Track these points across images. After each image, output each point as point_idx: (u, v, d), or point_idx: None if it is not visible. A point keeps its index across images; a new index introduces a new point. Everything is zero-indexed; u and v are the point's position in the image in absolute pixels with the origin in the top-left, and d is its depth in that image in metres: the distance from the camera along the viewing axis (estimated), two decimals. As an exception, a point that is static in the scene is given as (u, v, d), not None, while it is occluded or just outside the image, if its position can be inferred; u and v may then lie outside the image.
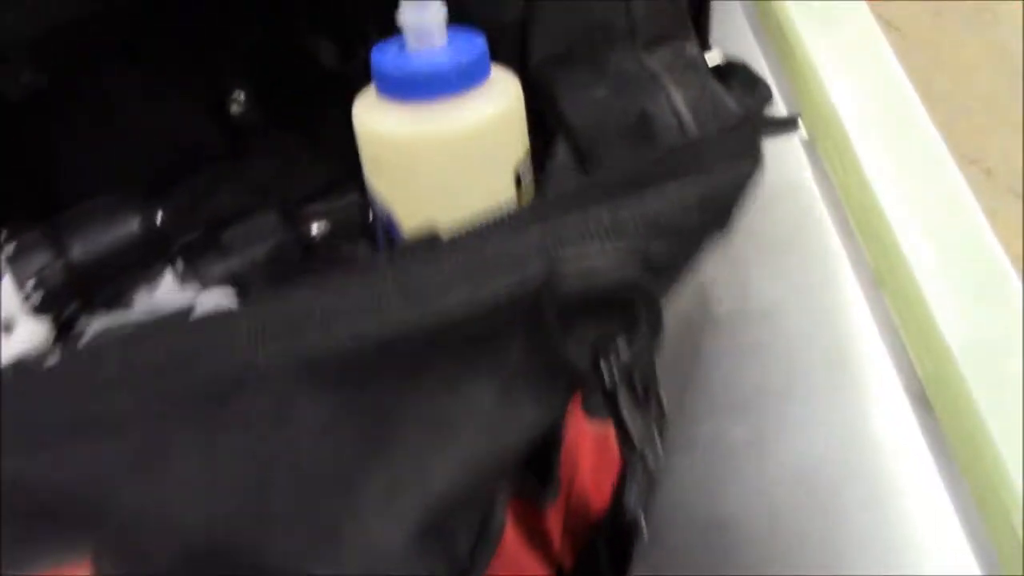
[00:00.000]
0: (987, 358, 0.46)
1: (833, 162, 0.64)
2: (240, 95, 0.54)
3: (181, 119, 0.53)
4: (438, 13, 0.40)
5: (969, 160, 1.82)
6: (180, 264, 0.49)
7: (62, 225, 0.48)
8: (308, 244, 0.51)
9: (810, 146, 0.64)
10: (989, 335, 0.47)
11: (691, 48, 0.47)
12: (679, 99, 0.43)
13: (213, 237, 0.52)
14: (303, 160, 0.56)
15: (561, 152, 0.44)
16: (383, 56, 0.41)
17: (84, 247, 0.47)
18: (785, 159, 0.64)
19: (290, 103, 0.56)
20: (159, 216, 0.50)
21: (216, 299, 0.48)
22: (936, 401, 0.47)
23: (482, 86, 0.41)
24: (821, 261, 0.57)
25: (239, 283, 0.51)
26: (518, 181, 0.43)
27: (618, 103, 0.45)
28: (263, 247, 0.52)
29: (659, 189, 0.33)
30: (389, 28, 0.52)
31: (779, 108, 0.67)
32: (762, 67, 0.70)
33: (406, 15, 0.40)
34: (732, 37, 0.73)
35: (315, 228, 0.54)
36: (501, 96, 0.41)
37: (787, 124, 0.68)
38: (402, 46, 0.41)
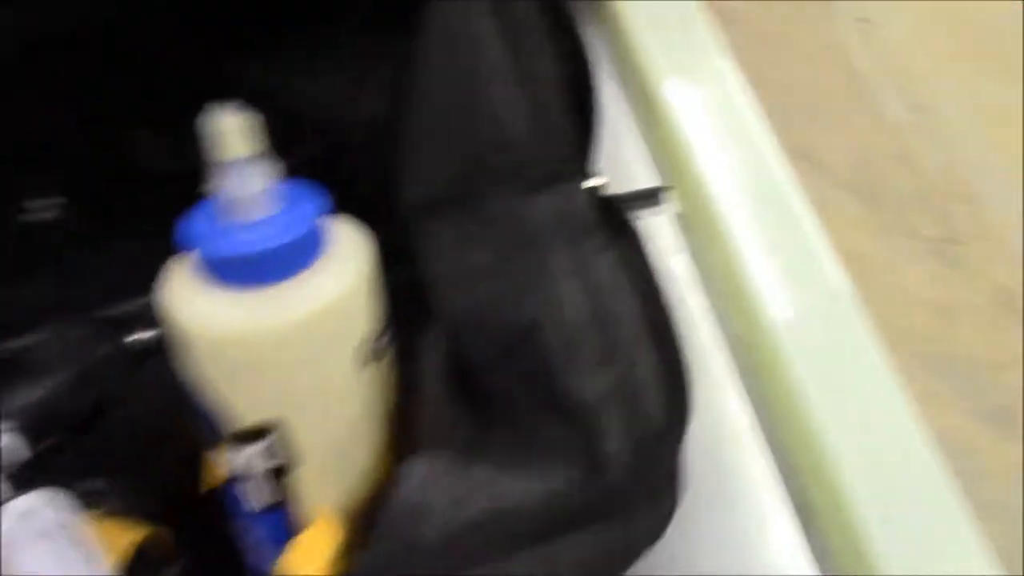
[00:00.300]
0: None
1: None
2: (46, 202, 0.46)
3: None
4: (261, 181, 0.33)
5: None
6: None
7: None
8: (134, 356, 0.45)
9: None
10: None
11: (579, 195, 0.41)
12: (569, 296, 0.38)
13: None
14: (125, 273, 0.48)
15: (431, 346, 0.38)
16: (194, 225, 0.34)
17: None
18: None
19: (109, 208, 0.48)
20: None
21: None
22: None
23: (318, 263, 0.34)
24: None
25: (44, 415, 0.43)
26: (365, 359, 0.36)
27: (501, 294, 0.39)
28: (71, 367, 0.44)
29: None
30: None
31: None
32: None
33: (223, 183, 0.33)
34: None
35: (138, 337, 0.47)
36: (340, 275, 0.35)
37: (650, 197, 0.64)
38: (221, 212, 0.34)
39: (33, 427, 0.42)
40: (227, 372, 0.34)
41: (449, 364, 0.39)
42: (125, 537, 0.41)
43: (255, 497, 0.38)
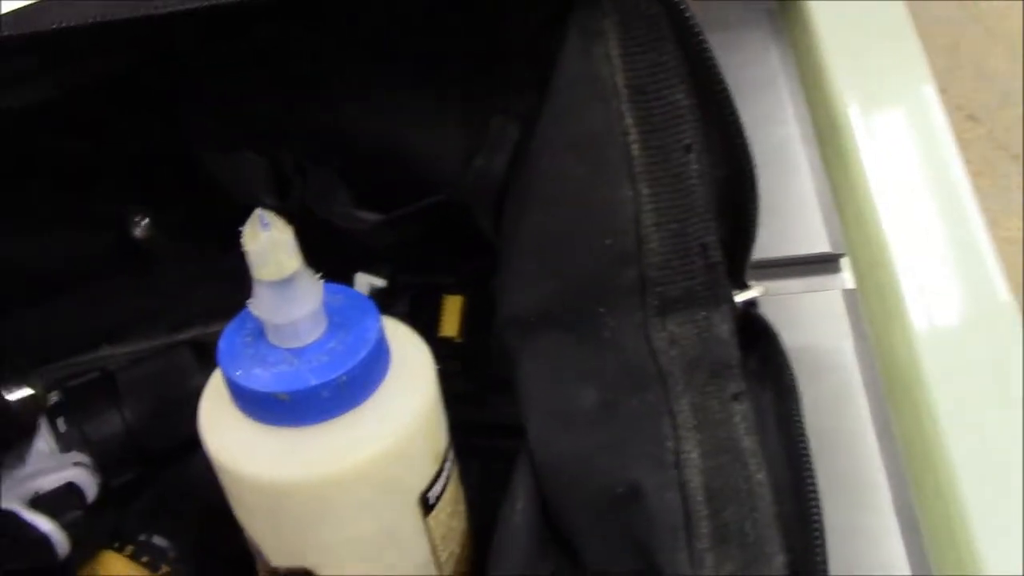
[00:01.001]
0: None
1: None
2: (143, 219, 0.44)
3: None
4: (310, 303, 0.28)
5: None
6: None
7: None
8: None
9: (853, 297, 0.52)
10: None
11: (719, 325, 0.33)
12: (691, 461, 0.30)
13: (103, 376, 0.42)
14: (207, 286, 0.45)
15: (521, 499, 0.32)
16: (232, 348, 0.29)
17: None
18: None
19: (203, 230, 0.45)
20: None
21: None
22: None
23: (374, 396, 0.29)
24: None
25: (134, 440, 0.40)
26: (426, 506, 0.31)
27: (603, 445, 0.31)
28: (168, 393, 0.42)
29: None
30: (335, 172, 0.41)
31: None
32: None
33: (261, 305, 0.28)
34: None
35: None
36: (399, 412, 0.29)
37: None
38: (259, 331, 0.29)
39: (108, 460, 0.40)
40: (261, 513, 0.30)
41: (539, 509, 0.33)
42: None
43: (297, 632, 0.33)
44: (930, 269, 0.52)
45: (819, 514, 0.29)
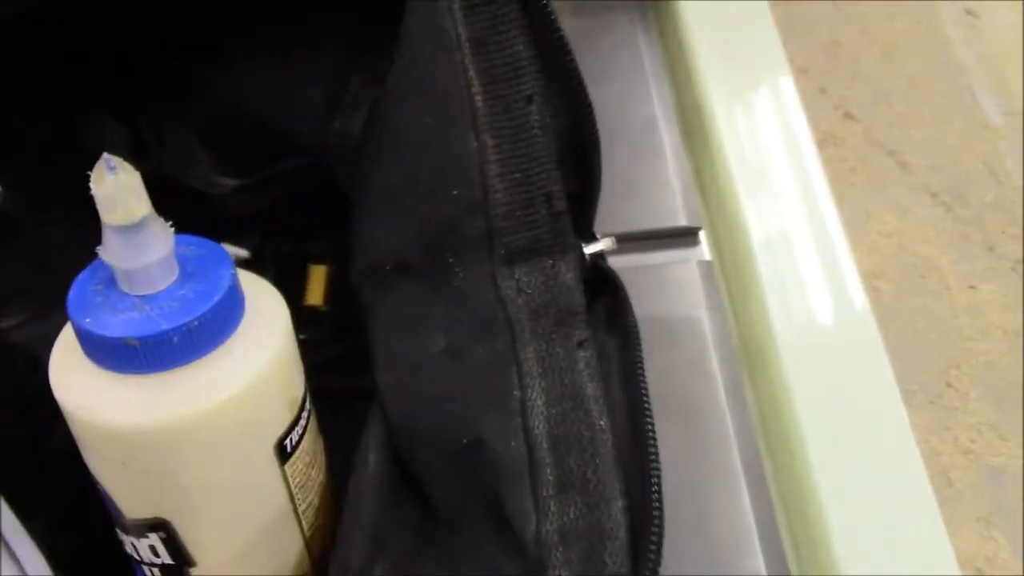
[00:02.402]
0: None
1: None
2: None
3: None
4: (161, 248, 0.28)
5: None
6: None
7: None
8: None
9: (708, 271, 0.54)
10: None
11: (565, 273, 0.34)
12: (529, 407, 0.31)
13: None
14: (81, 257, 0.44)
15: (373, 450, 0.33)
16: (82, 297, 0.29)
17: None
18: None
19: (61, 196, 0.44)
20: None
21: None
22: None
23: (226, 343, 0.29)
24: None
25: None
26: (283, 454, 0.31)
27: (449, 393, 0.32)
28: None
29: None
30: (194, 135, 0.41)
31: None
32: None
33: (111, 251, 0.28)
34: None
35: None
36: (252, 358, 0.30)
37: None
38: (109, 280, 0.29)
39: None
40: (115, 464, 0.30)
41: (391, 459, 0.33)
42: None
43: (156, 587, 0.33)
44: (783, 243, 0.55)
45: (656, 459, 0.30)
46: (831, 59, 1.85)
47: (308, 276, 0.44)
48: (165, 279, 0.29)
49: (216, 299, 0.29)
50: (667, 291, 0.54)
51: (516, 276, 0.33)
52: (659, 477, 0.30)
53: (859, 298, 0.53)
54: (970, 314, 1.57)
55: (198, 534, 0.31)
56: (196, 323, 0.28)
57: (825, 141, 1.71)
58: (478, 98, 0.33)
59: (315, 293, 0.44)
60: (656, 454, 0.31)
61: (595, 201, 0.36)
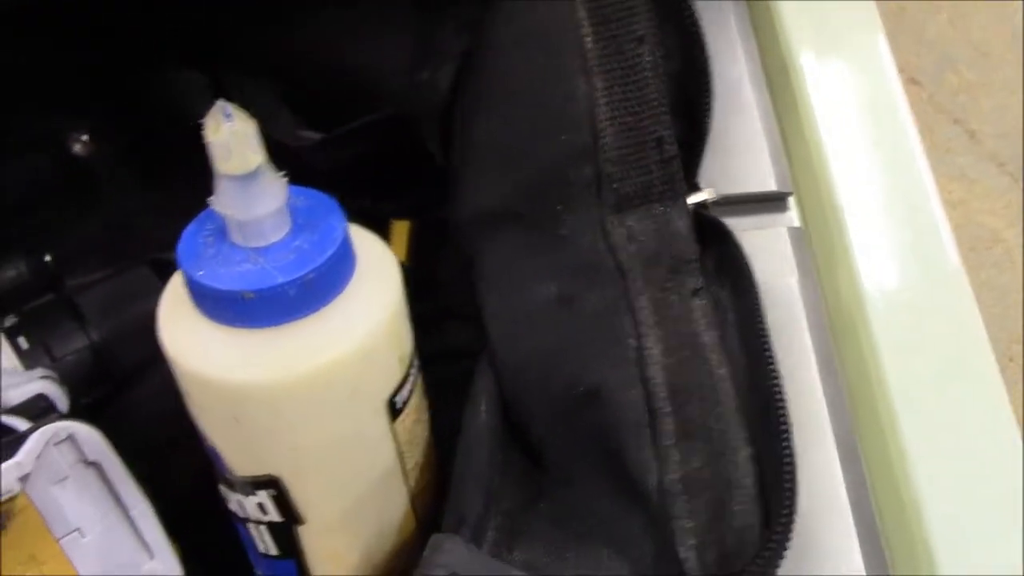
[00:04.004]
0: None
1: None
2: (82, 135, 0.42)
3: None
4: (276, 199, 0.28)
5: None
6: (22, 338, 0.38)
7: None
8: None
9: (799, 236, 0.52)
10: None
11: (677, 220, 0.33)
12: (647, 356, 0.30)
13: (65, 298, 0.41)
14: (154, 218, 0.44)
15: (483, 402, 0.32)
16: (193, 249, 0.28)
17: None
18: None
19: (158, 152, 0.44)
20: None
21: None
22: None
23: (340, 297, 0.29)
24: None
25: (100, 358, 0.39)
26: (393, 411, 0.31)
27: (564, 343, 0.31)
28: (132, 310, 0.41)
29: None
30: (277, 90, 0.40)
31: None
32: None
33: (225, 201, 0.27)
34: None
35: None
36: (366, 313, 0.29)
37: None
38: (220, 231, 0.28)
39: (75, 378, 0.38)
40: (226, 420, 0.29)
41: (500, 412, 0.33)
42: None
43: (260, 544, 0.33)
44: (874, 210, 0.53)
45: (784, 405, 0.29)
46: (896, 23, 1.80)
47: (390, 232, 0.44)
48: (278, 231, 0.28)
49: (331, 251, 0.28)
50: (757, 257, 0.52)
51: (626, 223, 0.32)
52: (788, 425, 0.29)
53: (953, 263, 0.52)
54: None
55: (308, 491, 0.31)
56: (312, 276, 0.27)
57: (890, 108, 1.67)
58: (588, 39, 0.32)
59: (398, 249, 0.43)
60: (783, 402, 0.30)
61: (702, 148, 0.35)
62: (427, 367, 0.34)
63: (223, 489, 0.32)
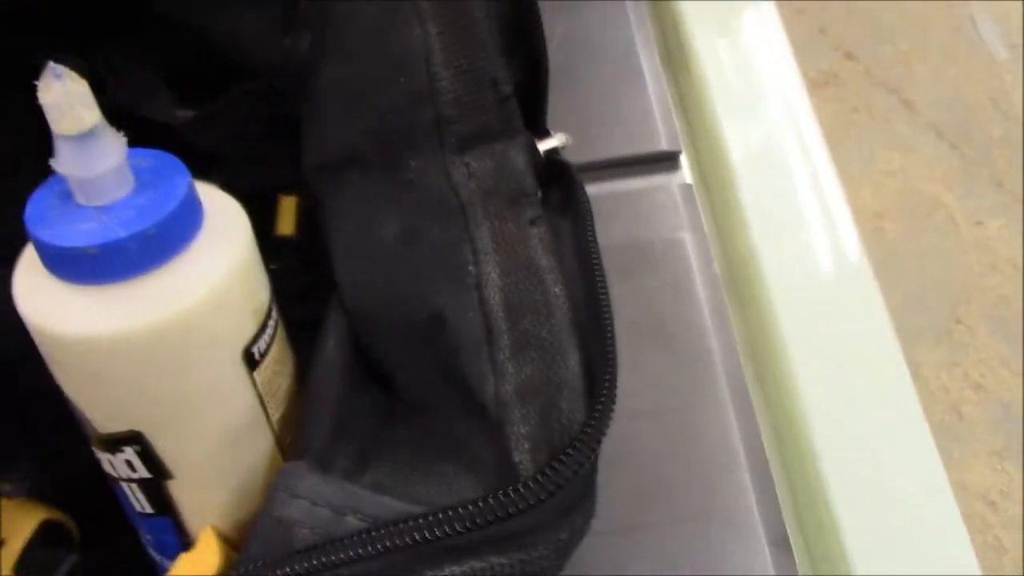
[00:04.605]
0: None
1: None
2: None
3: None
4: (114, 157, 0.28)
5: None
6: None
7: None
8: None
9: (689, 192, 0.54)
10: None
11: (516, 157, 0.34)
12: (490, 280, 0.32)
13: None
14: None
15: (332, 336, 0.33)
16: (39, 212, 0.29)
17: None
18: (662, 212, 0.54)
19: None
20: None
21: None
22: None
23: (187, 251, 0.29)
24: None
25: None
26: (251, 362, 0.32)
27: (405, 276, 0.33)
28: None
29: None
30: (152, 68, 0.41)
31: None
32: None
33: (64, 161, 0.28)
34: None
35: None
36: (214, 265, 0.30)
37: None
38: (65, 194, 0.29)
39: None
40: (84, 377, 0.30)
41: (351, 349, 0.34)
42: (27, 520, 0.38)
43: (135, 503, 0.34)
44: (765, 163, 0.55)
45: (610, 316, 0.31)
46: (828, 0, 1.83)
47: (278, 206, 0.45)
48: (121, 189, 0.29)
49: (173, 206, 0.29)
50: (648, 216, 0.54)
51: (466, 162, 0.34)
52: (612, 328, 0.31)
53: (841, 213, 0.53)
54: (978, 250, 1.56)
55: (172, 445, 0.31)
56: (154, 230, 0.28)
57: (826, 82, 1.70)
58: None
59: (286, 223, 0.44)
60: (608, 305, 0.32)
61: (544, 90, 0.37)
62: (311, 335, 0.35)
63: (95, 451, 0.33)
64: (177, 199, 0.29)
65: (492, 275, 0.32)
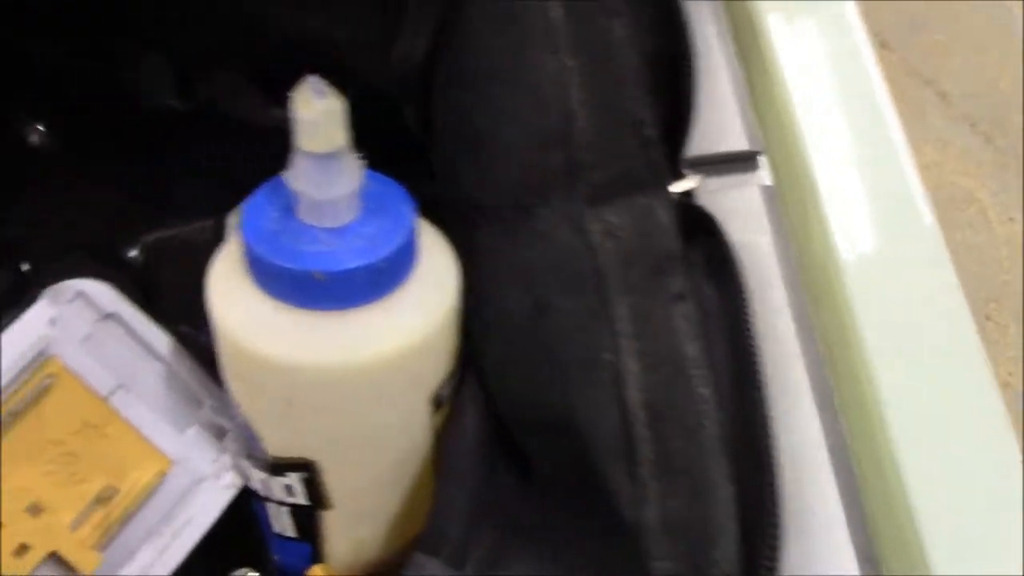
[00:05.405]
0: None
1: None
2: (38, 125, 0.40)
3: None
4: (354, 181, 0.27)
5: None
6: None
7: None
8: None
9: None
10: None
11: (659, 211, 0.30)
12: (629, 377, 0.27)
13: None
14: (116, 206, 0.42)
15: (469, 412, 0.31)
16: (258, 223, 0.27)
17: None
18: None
19: (104, 135, 0.41)
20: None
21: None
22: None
23: (404, 286, 0.28)
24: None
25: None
26: (437, 405, 0.30)
27: (536, 354, 0.29)
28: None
29: None
30: (243, 69, 0.39)
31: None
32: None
33: (302, 178, 0.26)
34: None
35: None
36: (430, 303, 0.28)
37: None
38: (286, 207, 0.27)
39: None
40: (276, 401, 0.29)
41: (487, 418, 0.31)
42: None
43: (277, 524, 0.32)
44: (846, 167, 0.54)
45: (770, 443, 0.28)
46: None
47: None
48: (351, 213, 0.27)
49: (402, 240, 0.27)
50: (729, 218, 0.53)
51: (604, 217, 0.29)
52: (774, 465, 0.27)
53: (927, 218, 0.53)
54: (1009, 246, 1.56)
55: (341, 478, 0.30)
56: (383, 263, 0.27)
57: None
58: (555, 11, 0.29)
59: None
60: (770, 436, 0.28)
61: (686, 132, 0.32)
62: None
63: (246, 465, 0.32)
64: (405, 232, 0.28)
65: (632, 369, 0.27)
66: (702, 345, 0.28)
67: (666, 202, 0.30)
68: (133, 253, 0.43)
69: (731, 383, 0.29)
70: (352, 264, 0.26)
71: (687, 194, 0.32)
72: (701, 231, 0.31)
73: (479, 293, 0.30)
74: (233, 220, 0.43)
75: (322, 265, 0.26)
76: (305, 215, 0.27)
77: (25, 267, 0.40)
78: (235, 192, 0.42)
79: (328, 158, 0.26)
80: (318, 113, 0.25)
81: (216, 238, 0.43)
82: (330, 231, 0.27)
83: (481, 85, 0.30)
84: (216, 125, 0.41)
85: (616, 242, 0.29)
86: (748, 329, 0.29)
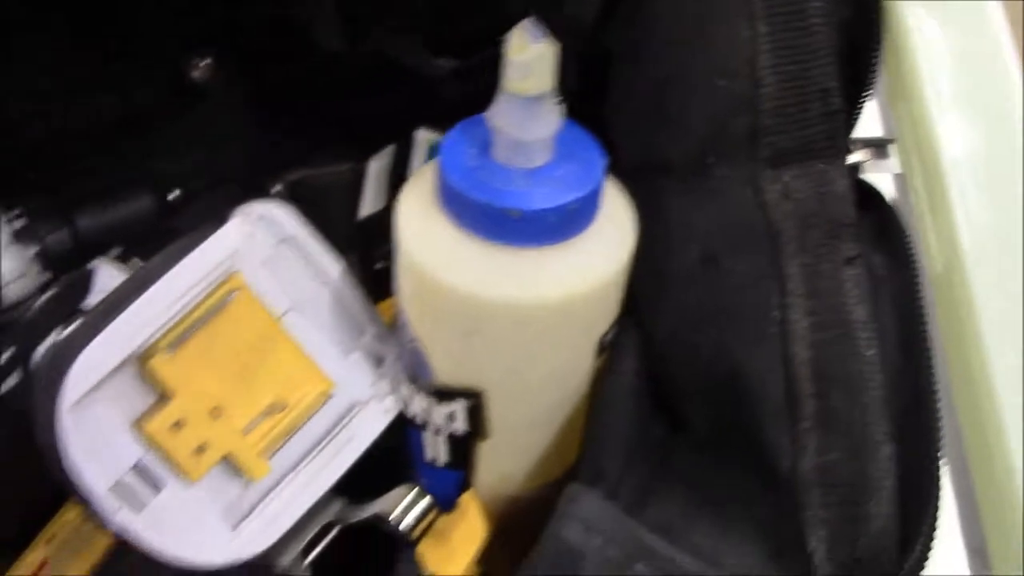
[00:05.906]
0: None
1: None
2: (203, 60, 0.41)
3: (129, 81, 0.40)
4: (554, 124, 0.28)
5: None
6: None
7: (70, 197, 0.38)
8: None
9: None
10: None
11: (838, 180, 0.30)
12: (796, 335, 0.28)
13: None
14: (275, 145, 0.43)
15: (628, 359, 0.32)
16: (456, 159, 0.29)
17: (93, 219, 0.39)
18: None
19: (269, 76, 0.43)
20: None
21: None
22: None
23: (590, 230, 0.29)
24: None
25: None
26: (600, 350, 0.32)
27: (702, 312, 0.30)
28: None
29: None
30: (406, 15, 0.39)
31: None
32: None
33: (506, 119, 0.28)
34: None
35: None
36: (611, 249, 0.30)
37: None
38: (483, 145, 0.29)
39: None
40: (456, 330, 0.30)
41: (643, 370, 0.32)
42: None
43: (431, 451, 0.34)
44: (976, 164, 0.53)
45: (936, 400, 0.28)
46: None
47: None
48: (546, 155, 0.28)
49: (592, 185, 0.28)
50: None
51: (783, 179, 0.30)
52: (938, 424, 0.28)
53: None
54: None
55: (505, 410, 0.31)
56: (575, 205, 0.28)
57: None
58: None
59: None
60: (936, 402, 0.28)
61: (862, 104, 0.32)
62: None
63: (405, 392, 0.33)
64: (595, 177, 0.29)
65: (801, 326, 0.28)
66: (870, 309, 0.29)
67: (843, 170, 0.30)
68: (277, 188, 0.44)
69: (897, 347, 0.29)
70: (546, 204, 0.27)
71: (855, 167, 0.32)
72: (871, 204, 0.32)
73: (652, 246, 0.31)
74: (375, 164, 0.44)
75: (518, 203, 0.27)
76: (502, 154, 0.28)
77: (172, 196, 0.42)
78: (374, 140, 0.44)
79: (533, 101, 0.27)
80: (532, 56, 0.26)
81: (353, 182, 0.44)
82: (525, 171, 0.28)
83: (672, 51, 0.31)
84: (379, 73, 0.42)
85: (794, 203, 0.30)
86: (919, 297, 0.30)
